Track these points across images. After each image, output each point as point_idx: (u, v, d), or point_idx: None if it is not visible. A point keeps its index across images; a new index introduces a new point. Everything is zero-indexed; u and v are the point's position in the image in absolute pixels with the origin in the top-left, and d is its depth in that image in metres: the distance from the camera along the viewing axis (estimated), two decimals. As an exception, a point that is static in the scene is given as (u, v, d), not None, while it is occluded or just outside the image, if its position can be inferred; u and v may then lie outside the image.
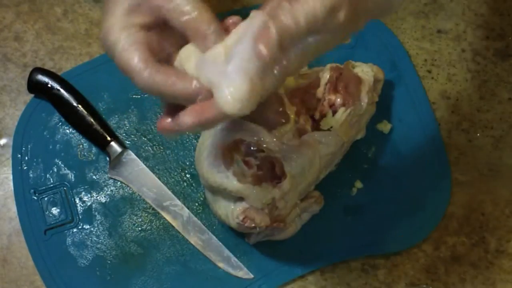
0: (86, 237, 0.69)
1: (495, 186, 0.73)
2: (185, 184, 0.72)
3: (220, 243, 0.69)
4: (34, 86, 0.73)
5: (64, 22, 0.79)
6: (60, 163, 0.72)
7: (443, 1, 0.82)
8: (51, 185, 0.71)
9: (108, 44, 0.46)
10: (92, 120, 0.72)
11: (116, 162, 0.71)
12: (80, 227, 0.70)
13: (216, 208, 0.66)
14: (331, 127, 0.66)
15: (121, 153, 0.71)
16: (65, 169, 0.72)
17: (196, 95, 0.43)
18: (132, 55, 0.45)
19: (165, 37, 0.47)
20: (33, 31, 0.78)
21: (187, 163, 0.72)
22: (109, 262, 0.69)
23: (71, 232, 0.70)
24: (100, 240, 0.69)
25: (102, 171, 0.72)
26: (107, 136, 0.72)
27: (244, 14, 0.85)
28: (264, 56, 0.41)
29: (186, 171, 0.72)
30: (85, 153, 0.73)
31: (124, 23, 0.46)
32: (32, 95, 0.74)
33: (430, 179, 0.73)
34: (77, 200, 0.71)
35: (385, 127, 0.74)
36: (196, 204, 0.71)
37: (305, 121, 0.66)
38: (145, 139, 0.74)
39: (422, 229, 0.71)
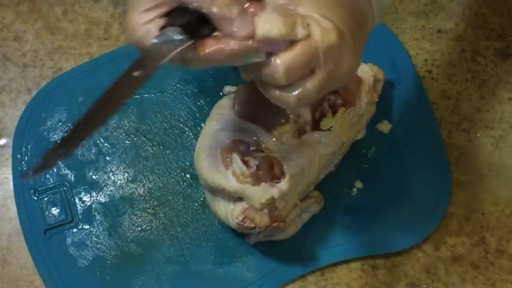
0: (86, 237, 0.69)
1: (495, 186, 0.73)
2: (185, 184, 0.72)
3: None
4: None
5: (64, 22, 0.79)
6: (60, 163, 0.72)
7: (443, 1, 0.81)
8: (51, 185, 0.71)
9: (135, 40, 0.47)
10: None
11: None
12: (80, 227, 0.70)
13: (215, 209, 0.66)
14: (331, 127, 0.66)
15: None
16: (65, 169, 0.72)
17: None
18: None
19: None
20: (33, 31, 0.78)
21: (187, 163, 0.72)
22: (109, 262, 0.69)
23: (71, 232, 0.70)
24: (100, 240, 0.69)
25: (102, 171, 0.72)
26: None
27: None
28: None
29: (186, 171, 0.72)
30: (85, 153, 0.73)
31: (147, 18, 0.47)
32: (32, 95, 0.74)
33: (430, 179, 0.72)
34: (77, 200, 0.71)
35: (385, 127, 0.74)
36: (196, 204, 0.71)
37: (304, 121, 0.66)
38: (145, 139, 0.74)
39: (422, 229, 0.71)
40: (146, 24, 0.46)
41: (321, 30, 0.46)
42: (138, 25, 0.47)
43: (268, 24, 0.45)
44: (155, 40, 0.46)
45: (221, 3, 0.45)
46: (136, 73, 0.46)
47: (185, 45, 0.46)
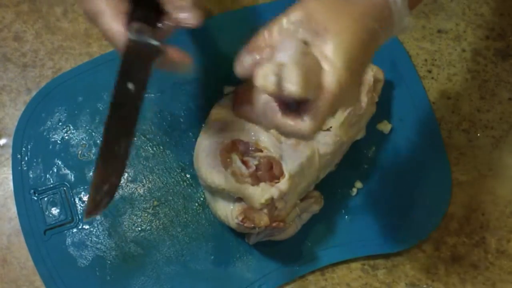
0: (86, 237, 0.69)
1: (495, 186, 0.73)
2: (185, 184, 0.72)
3: None
4: None
5: (64, 22, 0.78)
6: (60, 163, 0.72)
7: (443, 1, 0.81)
8: (51, 185, 0.71)
9: (91, 12, 0.52)
10: None
11: None
12: (80, 227, 0.70)
13: (215, 209, 0.66)
14: (331, 127, 0.66)
15: None
16: (65, 169, 0.72)
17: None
18: (116, 24, 0.52)
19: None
20: (33, 31, 0.78)
21: (187, 163, 0.72)
22: (108, 262, 0.69)
23: (71, 232, 0.70)
24: (100, 240, 0.69)
25: (102, 171, 0.72)
26: None
27: (243, 15, 0.84)
28: None
29: (186, 171, 0.72)
30: (85, 153, 0.73)
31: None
32: (32, 95, 0.74)
33: (430, 179, 0.72)
34: (77, 200, 0.71)
35: (385, 127, 0.74)
36: (196, 204, 0.71)
37: (304, 121, 0.66)
38: (145, 139, 0.74)
39: (422, 229, 0.71)
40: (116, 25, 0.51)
41: (335, 79, 0.46)
42: (110, 28, 0.52)
43: (290, 80, 0.45)
44: (130, 36, 0.51)
45: None
46: (130, 85, 0.50)
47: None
